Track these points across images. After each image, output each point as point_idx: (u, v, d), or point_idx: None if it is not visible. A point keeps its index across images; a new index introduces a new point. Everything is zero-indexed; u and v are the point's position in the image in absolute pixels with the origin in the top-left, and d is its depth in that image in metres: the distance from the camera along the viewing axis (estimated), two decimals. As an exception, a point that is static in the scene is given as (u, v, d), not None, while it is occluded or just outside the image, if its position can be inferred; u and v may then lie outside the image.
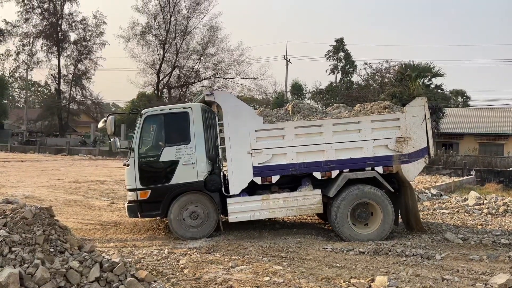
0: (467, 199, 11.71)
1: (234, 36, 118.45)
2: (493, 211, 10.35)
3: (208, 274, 5.32)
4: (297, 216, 8.93)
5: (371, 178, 7.47)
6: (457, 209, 10.58)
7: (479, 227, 8.60)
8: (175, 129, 7.56)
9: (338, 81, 46.03)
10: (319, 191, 7.51)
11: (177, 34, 46.12)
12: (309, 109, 8.32)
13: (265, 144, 7.36)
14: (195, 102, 8.49)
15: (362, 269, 5.62)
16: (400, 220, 8.08)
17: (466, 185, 17.96)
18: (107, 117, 7.52)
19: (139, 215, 7.53)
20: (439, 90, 33.96)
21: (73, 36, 49.22)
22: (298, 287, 4.89)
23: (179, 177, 7.39)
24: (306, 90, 47.46)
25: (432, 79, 35.30)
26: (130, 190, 7.54)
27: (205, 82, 46.92)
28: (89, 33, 49.44)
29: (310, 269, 5.59)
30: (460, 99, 51.82)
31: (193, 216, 7.39)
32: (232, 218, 7.41)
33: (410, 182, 7.68)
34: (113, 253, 4.61)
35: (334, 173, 7.45)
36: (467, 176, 21.21)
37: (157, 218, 8.17)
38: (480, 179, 21.76)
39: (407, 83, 33.53)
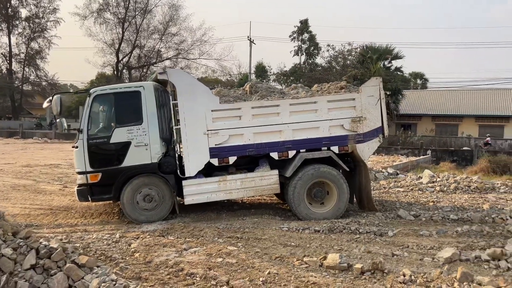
0: (421, 178, 12.09)
1: (197, 15, 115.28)
2: (445, 189, 10.75)
3: (160, 257, 5.16)
4: (256, 197, 8.90)
5: (327, 157, 7.52)
6: (411, 187, 10.91)
7: (431, 204, 8.89)
8: (127, 109, 7.23)
9: (302, 62, 46.12)
10: (276, 171, 7.48)
11: (137, 12, 44.39)
12: (267, 89, 8.19)
13: (221, 124, 7.19)
14: (148, 81, 8.15)
15: (316, 247, 5.65)
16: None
17: (422, 164, 18.64)
18: (52, 97, 7.08)
19: (89, 198, 7.22)
20: (398, 72, 34.71)
21: (24, 13, 46.35)
22: (251, 267, 4.84)
23: (132, 159, 7.11)
24: (270, 72, 47.32)
25: (392, 61, 36.11)
26: (80, 173, 7.17)
27: (167, 62, 45.64)
28: (42, 9, 46.74)
29: (264, 248, 5.56)
30: (419, 81, 53.37)
31: (147, 199, 7.17)
32: (188, 200, 7.24)
33: (365, 161, 7.78)
34: (52, 239, 4.35)
35: (291, 153, 7.42)
36: (424, 155, 22.02)
37: (110, 201, 7.87)
38: (436, 158, 22.67)
39: (369, 65, 34.14)
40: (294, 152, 7.43)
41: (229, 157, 7.25)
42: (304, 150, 7.47)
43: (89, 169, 7.07)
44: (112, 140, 7.13)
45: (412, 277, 4.40)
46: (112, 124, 7.26)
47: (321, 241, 5.99)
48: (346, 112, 7.56)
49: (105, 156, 7.23)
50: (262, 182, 7.41)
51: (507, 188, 10.85)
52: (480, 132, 31.98)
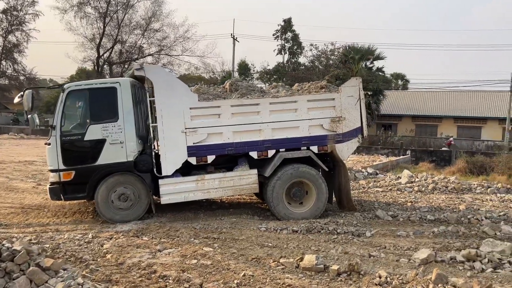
0: (400, 178, 12.20)
1: (180, 12, 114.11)
2: (423, 189, 10.86)
3: (132, 258, 5.01)
4: (235, 196, 8.81)
5: (307, 157, 7.48)
6: (390, 187, 10.98)
7: (409, 204, 8.95)
8: (102, 106, 7.03)
9: (285, 61, 46.17)
10: (255, 171, 7.40)
11: (118, 7, 43.62)
12: (247, 87, 8.11)
13: (200, 122, 7.05)
14: (125, 77, 7.96)
15: (293, 248, 5.59)
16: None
17: (402, 164, 18.85)
18: (24, 91, 6.83)
19: (62, 197, 6.99)
20: (380, 73, 35.09)
21: (1, 5, 45.02)
22: (227, 269, 4.73)
23: (107, 157, 6.91)
24: (254, 70, 47.20)
25: (374, 62, 36.50)
26: (52, 171, 6.94)
27: (149, 59, 45.03)
28: (20, 1, 45.39)
29: (241, 249, 5.47)
30: (400, 82, 54.10)
31: (122, 198, 6.98)
32: (164, 199, 7.08)
33: (344, 161, 7.77)
34: (18, 240, 4.16)
35: (271, 153, 7.35)
36: (403, 155, 22.28)
37: (84, 200, 7.65)
38: (415, 158, 22.98)
39: (351, 66, 34.39)
40: (273, 151, 7.35)
41: (208, 156, 7.12)
42: (283, 149, 7.41)
43: (62, 166, 6.84)
44: (87, 137, 6.91)
45: (388, 278, 4.37)
46: (87, 120, 7.04)
47: (298, 241, 5.93)
48: (325, 112, 7.54)
49: (79, 153, 7.00)
50: (241, 181, 7.32)
51: (483, 189, 11.04)
52: (459, 133, 32.59)
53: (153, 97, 7.09)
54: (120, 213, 6.99)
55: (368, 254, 5.37)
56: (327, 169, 7.75)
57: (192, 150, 7.02)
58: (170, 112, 6.95)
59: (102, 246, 5.54)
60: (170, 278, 4.39)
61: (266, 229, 6.53)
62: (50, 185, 7.07)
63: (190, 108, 7.01)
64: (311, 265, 4.72)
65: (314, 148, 7.51)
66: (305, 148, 7.49)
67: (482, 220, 7.40)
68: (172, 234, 6.09)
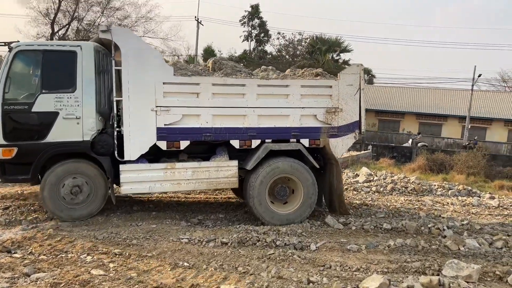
0: (358, 175, 11.30)
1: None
2: (381, 189, 10.01)
3: (-20, 288, 3.63)
4: (208, 191, 7.83)
5: (295, 151, 6.52)
6: (346, 186, 10.01)
7: (364, 207, 7.98)
8: (57, 72, 5.83)
9: (252, 49, 44.84)
10: (235, 162, 6.38)
11: (77, -19, 40.58)
12: (232, 67, 6.96)
13: (174, 101, 5.97)
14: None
15: (215, 270, 4.37)
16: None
17: (362, 160, 18.12)
18: None
19: (0, 178, 5.90)
20: (346, 66, 34.47)
21: None
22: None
23: (58, 134, 5.76)
24: (220, 56, 45.54)
25: (340, 54, 35.90)
26: None
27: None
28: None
29: (144, 272, 4.18)
30: (366, 76, 54.09)
31: (73, 192, 5.86)
32: (125, 189, 5.94)
33: (337, 159, 6.78)
34: None
35: (255, 143, 6.35)
36: (365, 150, 21.66)
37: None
38: (376, 154, 22.42)
39: (317, 57, 33.62)
40: (258, 141, 6.37)
41: (181, 141, 6.06)
42: (269, 140, 6.44)
43: (2, 141, 5.66)
44: (35, 109, 5.70)
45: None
46: (37, 88, 5.77)
47: (224, 259, 4.73)
48: (320, 101, 6.57)
49: (24, 127, 5.80)
50: (218, 173, 6.28)
51: (443, 191, 10.30)
52: (420, 129, 32.52)
53: (120, 66, 5.85)
54: (69, 209, 5.88)
55: (307, 279, 4.23)
56: (318, 166, 6.73)
57: (162, 133, 5.93)
58: (139, 85, 5.83)
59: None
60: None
61: (189, 240, 5.28)
62: None
63: (164, 83, 5.91)
64: (227, 300, 3.54)
65: (305, 141, 6.54)
66: (295, 140, 6.52)
67: (444, 229, 6.47)
68: (61, 247, 4.69)
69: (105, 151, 5.96)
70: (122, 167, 5.90)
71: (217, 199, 8.22)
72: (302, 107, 6.49)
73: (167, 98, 5.94)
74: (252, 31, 44.16)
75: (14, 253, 4.47)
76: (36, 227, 5.49)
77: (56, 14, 40.32)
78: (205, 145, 6.52)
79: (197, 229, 5.82)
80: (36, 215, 6.03)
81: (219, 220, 6.60)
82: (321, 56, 33.43)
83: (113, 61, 5.92)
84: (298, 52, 39.12)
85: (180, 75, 6.09)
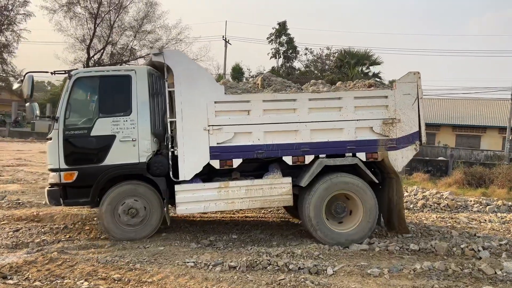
0: (387, 192, 10.67)
1: (172, 13, 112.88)
2: (411, 206, 9.38)
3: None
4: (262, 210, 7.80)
5: (352, 166, 6.28)
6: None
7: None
8: (113, 97, 6.02)
9: (280, 65, 44.85)
10: (289, 179, 6.20)
11: (110, 8, 42.33)
12: (282, 83, 6.83)
13: (226, 119, 5.97)
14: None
15: (217, 298, 4.05)
16: None
17: (394, 175, 17.30)
18: (24, 76, 5.76)
19: (61, 202, 5.90)
20: (377, 79, 33.68)
21: (-8, 5, 43.71)
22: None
23: (116, 156, 5.87)
24: (249, 74, 45.82)
25: (370, 67, 35.15)
26: (52, 170, 5.88)
27: (141, 61, 43.68)
28: (11, 1, 44.16)
29: (140, 299, 3.93)
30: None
31: (130, 213, 5.90)
32: (180, 209, 5.94)
33: (398, 173, 6.42)
34: None
35: (308, 159, 6.18)
36: (397, 165, 20.76)
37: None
38: (409, 168, 21.43)
39: (346, 71, 33.07)
40: (311, 157, 6.19)
41: (233, 159, 6.02)
42: (323, 155, 6.24)
43: (63, 166, 5.80)
44: (93, 133, 5.88)
45: None
46: (95, 113, 5.99)
47: (229, 285, 4.39)
48: (376, 112, 6.32)
49: (83, 151, 5.99)
50: (272, 191, 6.13)
51: (480, 207, 9.51)
52: (458, 141, 31.10)
53: (173, 88, 5.93)
54: (126, 230, 5.93)
55: (317, 310, 3.83)
56: (376, 181, 6.42)
57: (215, 152, 5.93)
58: (191, 106, 5.92)
59: None
60: None
61: (195, 264, 4.97)
62: (48, 187, 5.99)
63: (215, 102, 5.95)
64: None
65: (362, 155, 6.27)
66: (351, 154, 6.27)
67: (479, 251, 5.85)
68: (59, 272, 4.49)
69: (160, 172, 5.98)
70: (177, 187, 5.90)
71: (234, 218, 7.91)
72: (357, 120, 6.26)
73: (219, 117, 5.94)
74: (280, 48, 44.30)
75: (9, 279, 4.30)
76: (41, 249, 5.35)
77: (91, 40, 42.18)
78: (256, 163, 6.44)
79: (206, 251, 5.52)
80: (45, 238, 5.93)
81: (231, 241, 6.27)
82: (349, 69, 32.86)
83: (166, 83, 5.97)
84: (326, 67, 38.70)
85: (230, 93, 6.07)
